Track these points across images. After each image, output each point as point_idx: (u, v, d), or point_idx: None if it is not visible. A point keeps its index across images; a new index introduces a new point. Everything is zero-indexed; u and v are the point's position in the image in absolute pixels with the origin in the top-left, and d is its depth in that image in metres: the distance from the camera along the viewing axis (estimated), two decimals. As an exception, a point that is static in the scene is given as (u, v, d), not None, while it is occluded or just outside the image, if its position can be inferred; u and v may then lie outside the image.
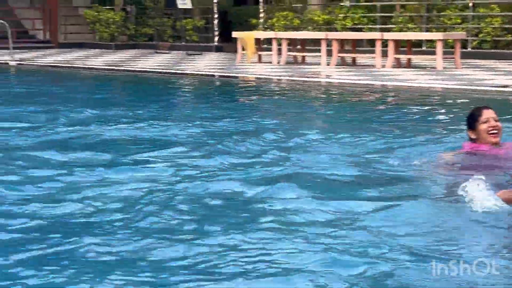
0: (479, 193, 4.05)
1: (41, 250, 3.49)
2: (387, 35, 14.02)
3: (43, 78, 13.96)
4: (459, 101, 9.35)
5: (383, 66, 13.21)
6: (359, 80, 11.50)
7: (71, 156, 5.70)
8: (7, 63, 15.55)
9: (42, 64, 15.90)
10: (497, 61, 14.43)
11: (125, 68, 14.62)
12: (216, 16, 19.71)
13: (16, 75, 14.44)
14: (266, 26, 18.40)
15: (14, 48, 16.35)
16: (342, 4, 17.48)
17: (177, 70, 14.11)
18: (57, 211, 4.16)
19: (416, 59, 14.01)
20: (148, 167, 5.31)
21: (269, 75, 12.77)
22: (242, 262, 3.31)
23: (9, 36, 16.25)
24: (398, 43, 13.76)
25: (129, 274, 3.18)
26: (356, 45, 15.00)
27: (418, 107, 8.81)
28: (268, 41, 16.26)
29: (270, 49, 15.41)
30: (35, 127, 7.28)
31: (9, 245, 3.60)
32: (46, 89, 12.11)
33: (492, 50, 15.24)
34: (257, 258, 3.34)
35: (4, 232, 3.75)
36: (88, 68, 15.05)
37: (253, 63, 14.93)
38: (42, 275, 3.17)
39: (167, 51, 18.67)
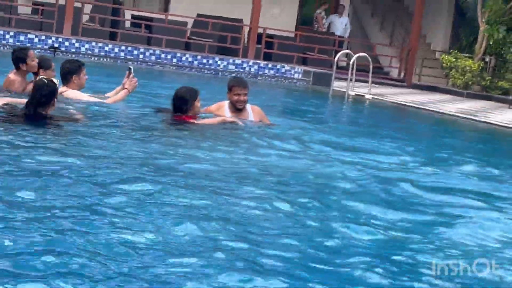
0: None
1: None
2: None
3: (397, 115, 14.27)
4: None
5: None
6: None
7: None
8: (363, 96, 16.10)
9: (394, 101, 16.22)
10: None
11: (479, 119, 14.40)
12: None
13: (371, 108, 14.90)
14: None
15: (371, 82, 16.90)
16: None
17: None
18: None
19: None
20: None
21: None
22: None
23: (370, 71, 16.83)
24: None
25: None
26: None
27: None
28: None
29: None
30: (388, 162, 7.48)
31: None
32: (399, 126, 12.36)
33: None
34: None
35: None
36: (441, 112, 15.07)
37: None
38: None
39: (520, 108, 18.08)
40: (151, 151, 6.31)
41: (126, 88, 8.34)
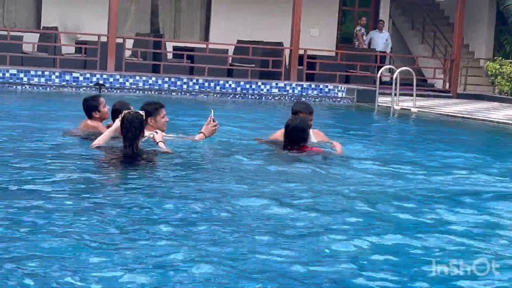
0: None
1: None
2: None
3: (444, 127, 14.12)
4: None
5: None
6: None
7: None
8: (409, 109, 15.99)
9: (441, 113, 16.07)
10: None
11: (529, 124, 14.20)
12: None
13: (419, 121, 14.78)
14: None
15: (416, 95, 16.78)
16: None
17: None
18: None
19: None
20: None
21: None
22: None
23: (414, 84, 16.72)
24: None
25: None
26: None
27: None
28: None
29: None
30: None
31: None
32: (448, 138, 12.23)
33: None
34: None
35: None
36: (489, 120, 14.88)
37: None
38: None
39: None
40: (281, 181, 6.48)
41: (202, 132, 7.76)
